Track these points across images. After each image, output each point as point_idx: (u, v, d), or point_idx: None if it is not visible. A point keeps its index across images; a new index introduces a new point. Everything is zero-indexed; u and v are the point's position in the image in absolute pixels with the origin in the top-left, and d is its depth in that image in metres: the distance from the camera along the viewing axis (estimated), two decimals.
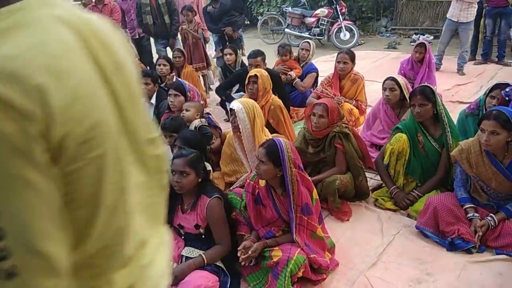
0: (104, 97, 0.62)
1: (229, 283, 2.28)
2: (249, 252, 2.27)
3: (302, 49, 5.06)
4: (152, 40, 6.41)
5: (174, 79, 4.35)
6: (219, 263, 2.31)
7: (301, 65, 5.05)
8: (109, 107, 0.63)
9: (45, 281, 0.54)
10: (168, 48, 6.25)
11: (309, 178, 2.42)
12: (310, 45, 5.04)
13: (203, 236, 2.36)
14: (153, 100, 3.95)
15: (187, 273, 2.19)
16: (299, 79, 4.83)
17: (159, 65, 4.91)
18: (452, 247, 2.48)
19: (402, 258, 2.46)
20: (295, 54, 5.20)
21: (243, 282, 2.38)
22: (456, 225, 2.52)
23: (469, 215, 2.54)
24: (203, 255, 2.28)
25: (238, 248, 2.30)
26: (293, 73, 4.83)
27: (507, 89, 2.91)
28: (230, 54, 5.00)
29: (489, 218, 2.49)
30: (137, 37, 6.26)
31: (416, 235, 2.65)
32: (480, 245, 2.47)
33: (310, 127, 3.08)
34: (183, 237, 2.43)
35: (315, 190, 2.41)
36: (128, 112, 0.67)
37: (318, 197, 2.43)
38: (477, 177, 2.57)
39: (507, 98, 2.89)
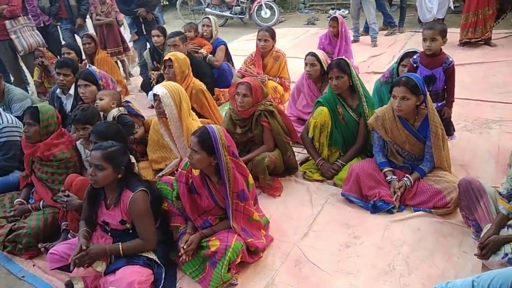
0: None
1: (163, 274, 2.21)
2: (185, 247, 2.22)
3: (203, 25, 4.99)
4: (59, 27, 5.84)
5: (87, 67, 4.02)
6: (151, 255, 2.21)
7: (212, 40, 4.96)
8: None
9: None
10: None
11: (244, 165, 2.38)
12: (211, 21, 4.98)
13: (130, 231, 2.25)
14: (72, 91, 3.61)
15: (101, 258, 2.15)
16: (212, 55, 4.74)
17: (63, 54, 4.50)
18: (375, 209, 2.65)
19: (331, 225, 2.58)
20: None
21: (179, 272, 2.32)
22: (377, 188, 2.68)
23: (388, 178, 2.72)
24: (120, 244, 2.18)
25: (180, 245, 2.23)
26: (203, 50, 4.73)
27: (414, 56, 3.11)
28: (158, 36, 4.71)
29: (405, 179, 2.69)
30: (42, 25, 5.65)
31: (342, 202, 2.79)
32: (400, 204, 2.66)
33: (236, 107, 3.04)
34: (109, 234, 2.29)
35: (250, 175, 2.38)
36: None
37: (253, 182, 2.42)
38: (392, 141, 2.74)
39: (415, 65, 3.09)
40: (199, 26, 5.28)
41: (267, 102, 3.05)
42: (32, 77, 5.22)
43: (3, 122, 3.11)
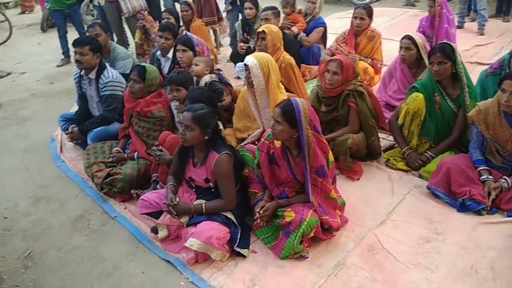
0: None
1: (239, 234, 2.32)
2: (261, 212, 2.30)
3: (309, 1, 4.83)
4: None
5: (184, 34, 4.22)
6: (230, 215, 2.34)
7: (309, 19, 4.85)
8: None
9: None
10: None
11: (325, 141, 2.36)
12: None
13: (213, 190, 2.38)
14: (170, 55, 3.85)
15: (184, 213, 2.33)
16: (304, 34, 4.65)
17: (163, 18, 4.74)
18: (462, 208, 2.48)
19: (412, 217, 2.47)
20: (300, 7, 4.98)
21: (252, 236, 2.42)
22: (468, 186, 2.50)
23: (483, 177, 2.51)
24: (203, 204, 2.33)
25: (256, 210, 2.32)
26: (295, 28, 4.65)
27: None
28: (251, 8, 4.75)
29: (502, 180, 2.47)
30: None
31: (426, 196, 2.65)
32: (492, 206, 2.45)
33: (324, 85, 3.00)
34: (194, 190, 2.45)
35: (331, 153, 2.36)
36: None
37: (333, 160, 2.39)
38: (493, 139, 2.51)
39: None
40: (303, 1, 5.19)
41: (357, 82, 2.96)
42: (134, 38, 5.62)
43: (108, 77, 3.41)
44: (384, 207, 2.57)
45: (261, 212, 2.32)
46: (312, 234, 2.24)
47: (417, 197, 2.65)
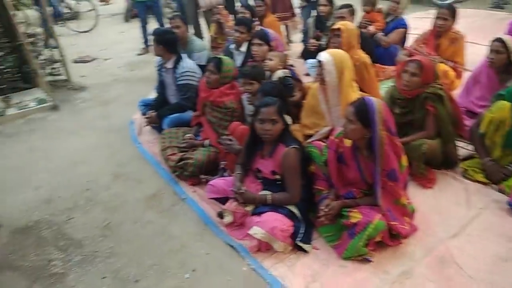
0: None
1: (302, 229, 2.34)
2: (326, 210, 2.29)
3: (392, 1, 4.65)
4: None
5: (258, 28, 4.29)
6: (294, 209, 2.36)
7: (390, 19, 4.67)
8: None
9: None
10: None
11: (399, 144, 2.28)
12: None
13: (278, 182, 2.42)
14: (243, 48, 3.96)
15: (250, 202, 2.40)
16: (383, 33, 4.49)
17: (239, 13, 4.86)
18: None
19: (488, 233, 2.31)
20: (382, 6, 4.82)
21: (315, 232, 2.42)
22: None
23: None
24: (269, 195, 2.37)
25: (321, 207, 2.32)
26: (372, 27, 4.50)
27: None
28: (325, 5, 4.71)
29: None
30: None
31: (506, 212, 2.46)
32: None
33: (400, 86, 2.89)
34: (260, 181, 2.51)
35: (404, 157, 2.28)
36: None
37: (407, 165, 2.31)
38: None
39: None
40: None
41: (438, 86, 2.81)
42: (209, 32, 5.83)
43: (185, 67, 3.59)
44: (458, 219, 2.43)
45: (326, 210, 2.32)
46: (378, 239, 2.19)
47: (495, 212, 2.47)
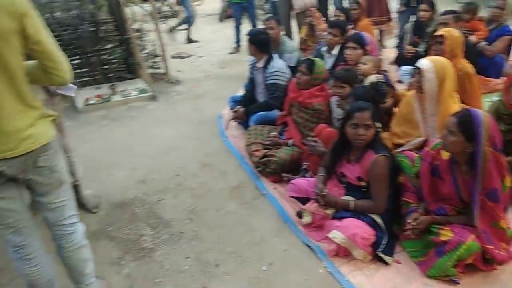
0: None
1: (385, 240, 2.26)
2: (414, 224, 2.19)
3: (496, 7, 4.24)
4: None
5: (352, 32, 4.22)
6: (378, 219, 2.29)
7: (493, 26, 4.27)
8: None
9: None
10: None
11: (505, 162, 2.09)
12: (505, 2, 4.19)
13: (363, 189, 2.37)
14: (335, 51, 3.94)
15: (331, 206, 2.38)
16: (487, 43, 4.11)
17: (334, 16, 4.82)
18: None
19: None
20: (483, 14, 4.43)
21: (398, 245, 2.33)
22: None
23: None
24: (352, 201, 2.33)
25: (408, 220, 2.22)
26: (474, 37, 4.13)
27: None
28: (426, 10, 4.48)
29: None
30: None
31: None
32: None
33: (508, 101, 2.64)
34: (344, 185, 2.48)
35: (509, 178, 2.08)
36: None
37: (510, 186, 2.10)
38: None
39: None
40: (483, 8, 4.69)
41: None
42: (299, 34, 5.88)
43: (274, 67, 3.67)
44: None
45: (413, 223, 2.21)
46: (469, 261, 2.03)
47: None
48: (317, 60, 3.20)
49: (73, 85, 2.01)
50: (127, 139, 4.02)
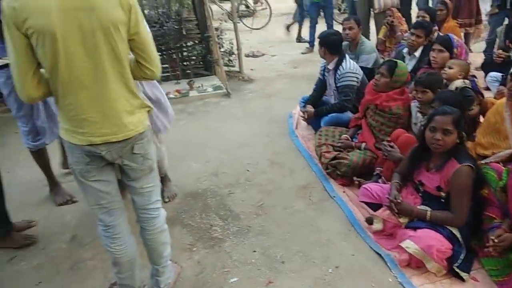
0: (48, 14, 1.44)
1: (462, 255, 2.13)
2: (496, 241, 2.03)
3: None
4: None
5: (436, 35, 4.00)
6: (456, 232, 2.16)
7: None
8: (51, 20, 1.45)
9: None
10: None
11: None
12: None
13: (442, 200, 2.24)
14: (417, 53, 3.78)
15: (405, 214, 2.29)
16: None
17: (418, 16, 4.58)
18: None
19: None
20: None
21: (476, 262, 2.18)
22: None
23: None
24: (429, 211, 2.22)
25: (491, 236, 2.06)
26: None
27: None
28: None
29: None
30: None
31: None
32: None
33: None
34: (420, 194, 2.37)
35: None
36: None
37: None
38: None
39: None
40: None
41: None
42: (377, 34, 5.70)
43: (346, 68, 3.60)
44: None
45: (496, 240, 2.05)
46: None
47: None
48: (400, 62, 3.09)
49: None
50: (202, 133, 4.22)
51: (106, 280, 2.27)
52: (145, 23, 1.74)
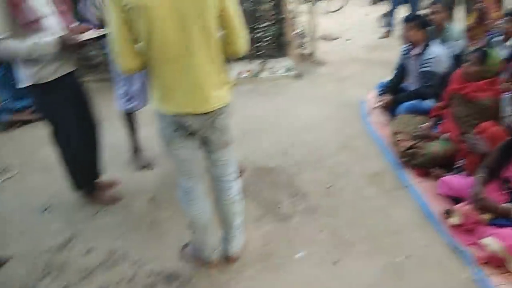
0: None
1: None
2: None
3: None
4: None
5: None
6: None
7: None
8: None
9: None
10: None
11: None
12: None
13: None
14: (510, 43, 3.46)
15: (488, 211, 2.18)
16: None
17: None
18: None
19: None
20: None
21: None
22: None
23: None
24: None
25: None
26: None
27: None
28: None
29: None
30: None
31: None
32: None
33: None
34: (507, 191, 2.21)
35: None
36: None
37: None
38: None
39: None
40: None
41: None
42: (466, 21, 5.26)
43: (431, 53, 3.38)
44: None
45: None
46: None
47: None
48: (492, 51, 2.85)
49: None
50: (273, 113, 4.26)
51: (180, 240, 2.42)
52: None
